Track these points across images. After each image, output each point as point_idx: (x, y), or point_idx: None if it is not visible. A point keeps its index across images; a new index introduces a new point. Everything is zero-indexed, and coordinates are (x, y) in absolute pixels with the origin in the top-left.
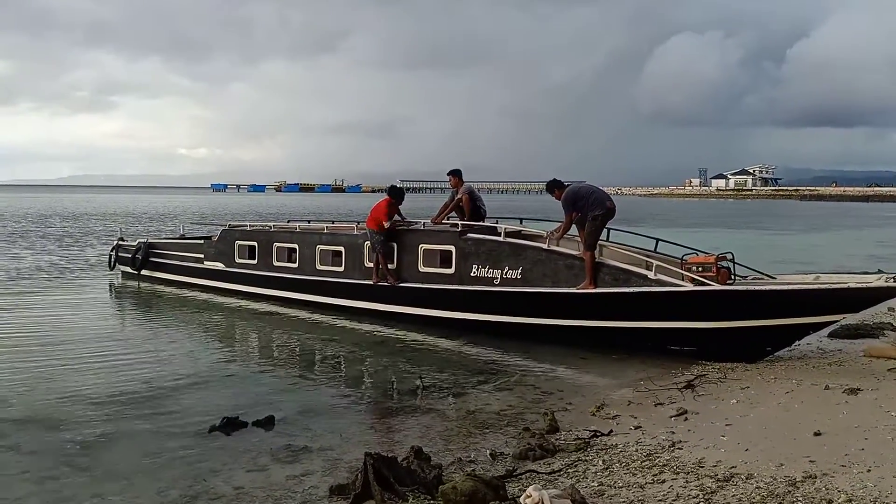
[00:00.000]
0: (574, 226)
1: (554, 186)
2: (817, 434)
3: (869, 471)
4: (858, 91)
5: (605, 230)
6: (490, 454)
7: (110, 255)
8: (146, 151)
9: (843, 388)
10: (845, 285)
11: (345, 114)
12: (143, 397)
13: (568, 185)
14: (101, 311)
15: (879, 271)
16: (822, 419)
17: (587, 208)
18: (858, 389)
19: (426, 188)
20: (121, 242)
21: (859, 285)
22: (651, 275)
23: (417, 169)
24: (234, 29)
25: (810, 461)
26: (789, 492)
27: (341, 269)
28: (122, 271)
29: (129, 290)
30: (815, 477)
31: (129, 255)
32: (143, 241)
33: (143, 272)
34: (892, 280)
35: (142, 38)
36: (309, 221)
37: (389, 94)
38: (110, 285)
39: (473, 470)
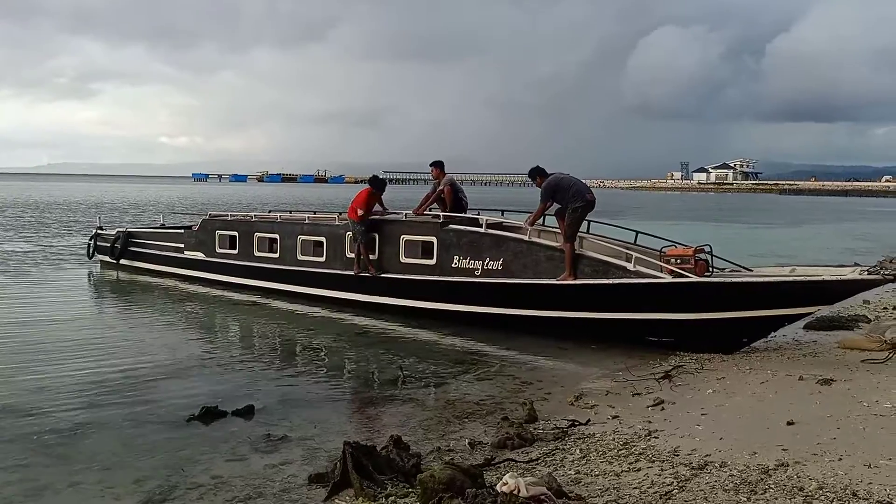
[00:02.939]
0: (555, 218)
1: (536, 173)
2: (790, 423)
3: (840, 459)
4: (838, 86)
5: (585, 222)
6: (469, 443)
7: (89, 245)
8: (127, 140)
9: (816, 378)
10: (821, 278)
11: (330, 104)
12: (121, 387)
13: (551, 175)
14: (80, 301)
15: (855, 264)
16: (796, 409)
17: (567, 200)
18: (832, 380)
19: (409, 179)
20: (99, 232)
21: (834, 278)
22: (630, 266)
23: (401, 160)
24: (220, 17)
25: (783, 450)
26: (762, 479)
27: (322, 259)
28: (101, 261)
29: (108, 280)
30: (788, 465)
31: (108, 245)
32: (121, 230)
33: (123, 262)
34: (866, 273)
35: (126, 26)
36: (290, 211)
37: (376, 85)
38: (89, 274)
39: (452, 459)
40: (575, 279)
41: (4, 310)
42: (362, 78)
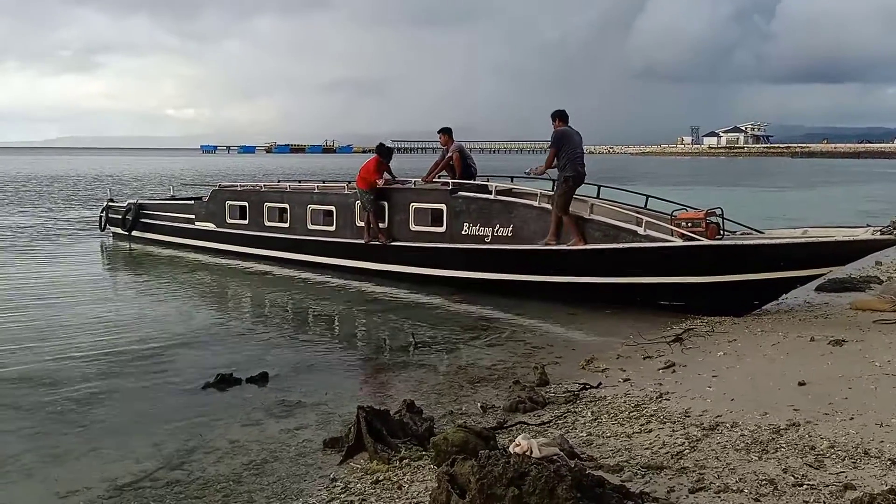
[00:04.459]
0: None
1: (557, 116)
2: (802, 384)
3: (851, 419)
4: (849, 46)
5: (594, 187)
6: (481, 407)
7: (101, 217)
8: (134, 112)
9: (828, 339)
10: (832, 238)
11: (337, 72)
12: (137, 356)
13: (568, 127)
14: (94, 272)
15: (868, 225)
16: (808, 370)
17: (561, 163)
18: (844, 341)
19: (418, 148)
20: (111, 204)
21: (846, 238)
22: (641, 231)
23: (410, 129)
24: None
25: (794, 410)
26: (773, 439)
27: (332, 228)
28: (114, 233)
29: (121, 252)
30: (799, 425)
31: (120, 217)
32: (133, 201)
33: (134, 233)
34: (879, 233)
35: None
36: (300, 181)
37: (382, 52)
38: (101, 246)
39: (465, 422)
40: (585, 244)
41: (20, 281)
42: (368, 45)
